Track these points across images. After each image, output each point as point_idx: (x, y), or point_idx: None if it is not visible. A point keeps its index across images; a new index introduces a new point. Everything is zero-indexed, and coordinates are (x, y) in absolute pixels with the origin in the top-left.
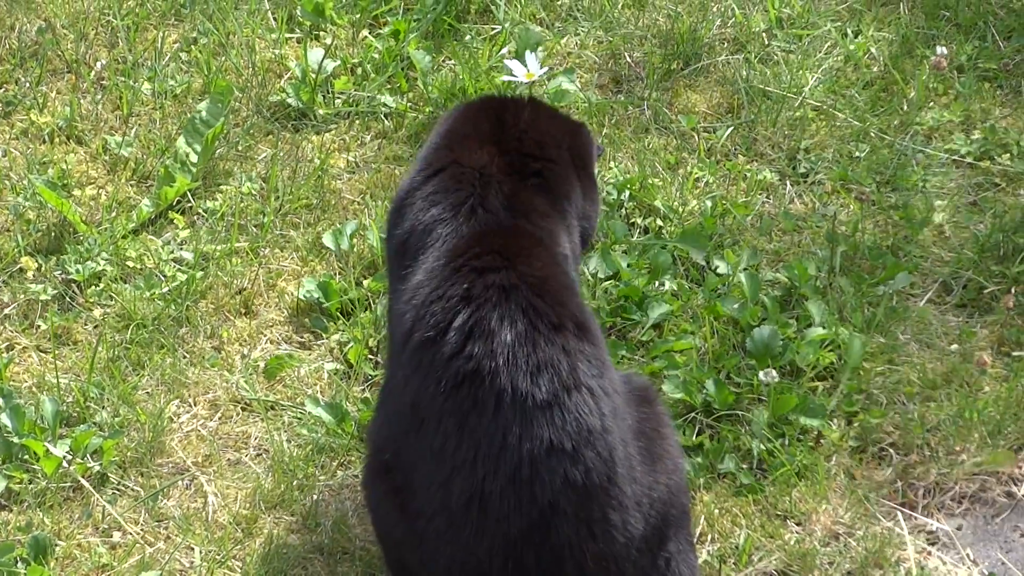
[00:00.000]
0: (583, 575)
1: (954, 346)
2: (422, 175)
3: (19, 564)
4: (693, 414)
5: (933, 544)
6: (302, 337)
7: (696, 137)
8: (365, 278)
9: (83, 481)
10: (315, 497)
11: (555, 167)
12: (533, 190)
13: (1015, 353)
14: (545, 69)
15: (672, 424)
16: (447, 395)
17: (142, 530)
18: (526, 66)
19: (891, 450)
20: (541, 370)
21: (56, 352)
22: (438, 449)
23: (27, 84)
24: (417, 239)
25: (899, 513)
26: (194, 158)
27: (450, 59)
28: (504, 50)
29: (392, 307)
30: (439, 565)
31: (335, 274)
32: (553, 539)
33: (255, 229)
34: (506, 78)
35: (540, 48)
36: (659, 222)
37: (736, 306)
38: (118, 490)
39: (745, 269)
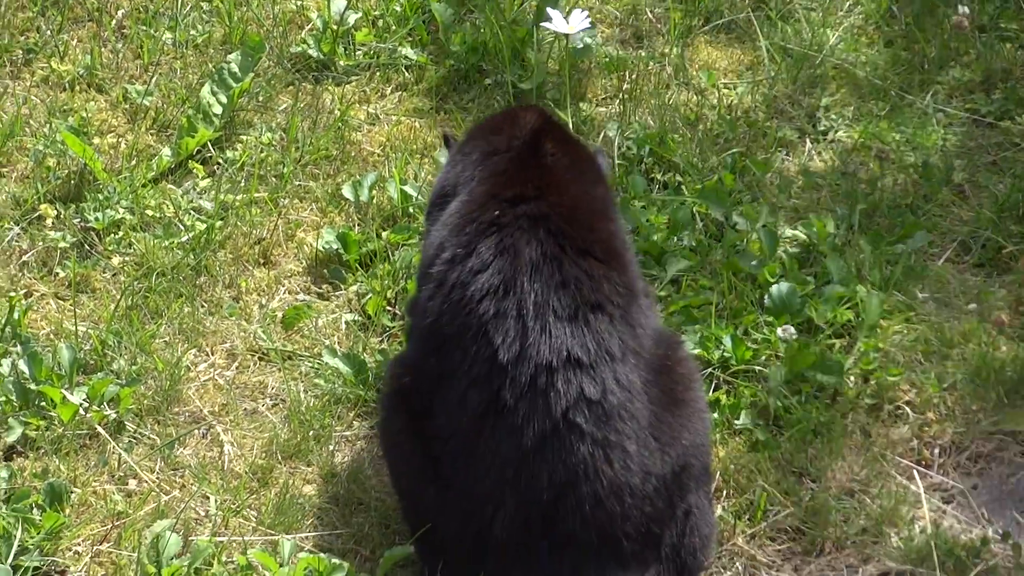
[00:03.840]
0: (597, 500)
1: (972, 305)
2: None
3: (35, 510)
4: (710, 370)
5: (948, 503)
6: (320, 288)
7: (716, 93)
8: (384, 230)
9: (99, 429)
10: (331, 448)
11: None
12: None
13: None
14: (587, 23)
15: (700, 378)
16: (469, 309)
17: (158, 478)
18: (567, 20)
19: (907, 408)
20: (564, 287)
21: (74, 300)
22: (457, 363)
23: (48, 32)
24: (456, 181)
25: (915, 471)
26: (217, 109)
27: (471, 12)
28: (525, 3)
29: (426, 239)
30: (454, 490)
31: (354, 225)
32: (568, 458)
33: (275, 179)
34: (544, 24)
35: (561, 1)
36: (679, 178)
37: (754, 262)
38: (134, 438)
39: (764, 226)
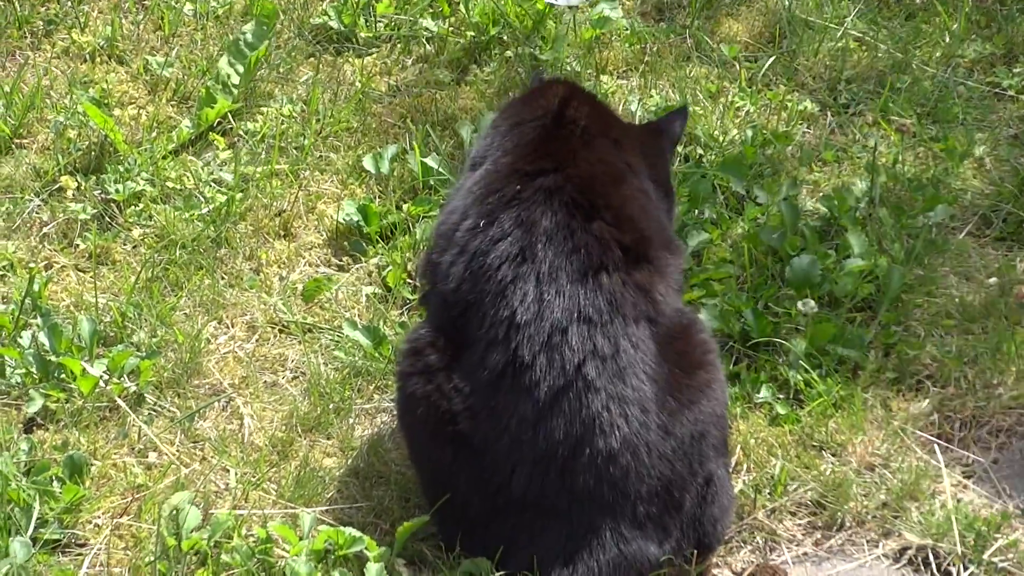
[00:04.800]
0: (611, 455)
1: (993, 279)
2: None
3: (55, 483)
4: (731, 343)
5: (969, 477)
6: (340, 260)
7: (737, 66)
8: (405, 202)
9: (119, 401)
10: (351, 421)
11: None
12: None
13: None
14: None
15: (716, 350)
16: (489, 275)
17: (178, 451)
18: None
19: (928, 382)
20: (574, 252)
21: (95, 271)
22: (476, 326)
23: (69, 3)
24: (484, 153)
25: (935, 445)
26: (236, 80)
27: None
28: None
29: (447, 204)
30: (472, 449)
31: (375, 198)
32: (583, 412)
33: (295, 151)
34: (550, 1)
35: None
36: (699, 151)
37: (775, 236)
38: (154, 411)
39: (785, 199)
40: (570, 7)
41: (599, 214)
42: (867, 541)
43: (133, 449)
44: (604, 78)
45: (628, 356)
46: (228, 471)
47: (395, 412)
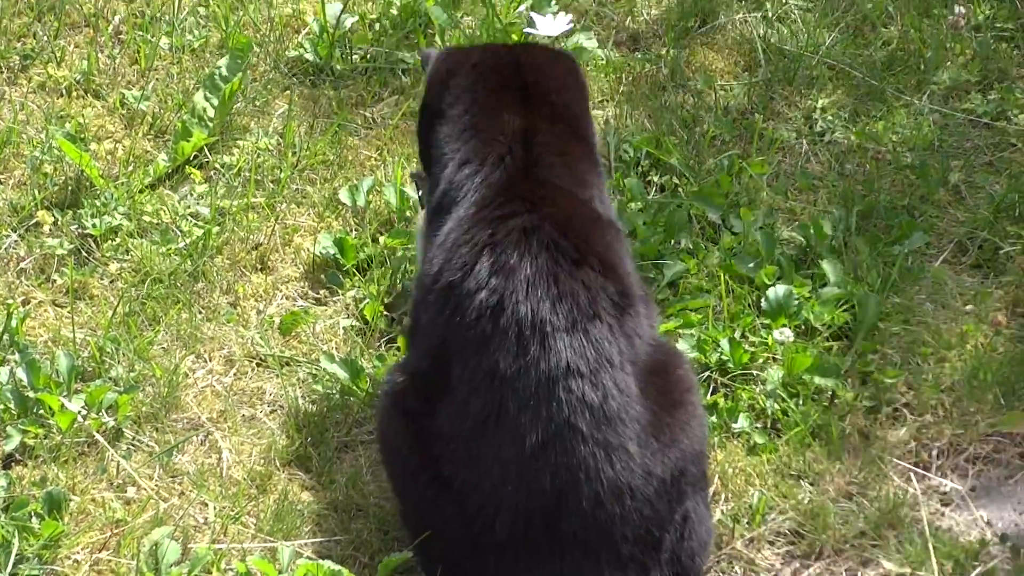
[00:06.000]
0: (599, 501)
1: (969, 306)
2: (453, 142)
3: (33, 519)
4: (708, 373)
5: (947, 505)
6: (318, 293)
7: (713, 95)
8: (381, 234)
9: (98, 436)
10: (329, 454)
11: (574, 109)
12: (560, 135)
13: None
14: (570, 25)
15: (697, 386)
16: (469, 327)
17: (156, 485)
18: (551, 19)
19: (905, 410)
20: (561, 300)
21: (72, 306)
22: (458, 375)
23: (45, 38)
24: (450, 196)
25: (912, 474)
26: (211, 113)
27: (467, 16)
28: (522, 7)
29: (425, 256)
30: (455, 491)
31: (351, 230)
32: (569, 460)
33: (272, 184)
34: (528, 30)
35: (555, 3)
36: (675, 180)
37: (751, 265)
38: (133, 445)
39: (761, 228)
40: (549, 37)
41: (586, 261)
42: (846, 570)
43: (112, 484)
44: None
45: (615, 403)
46: (207, 505)
47: (374, 446)
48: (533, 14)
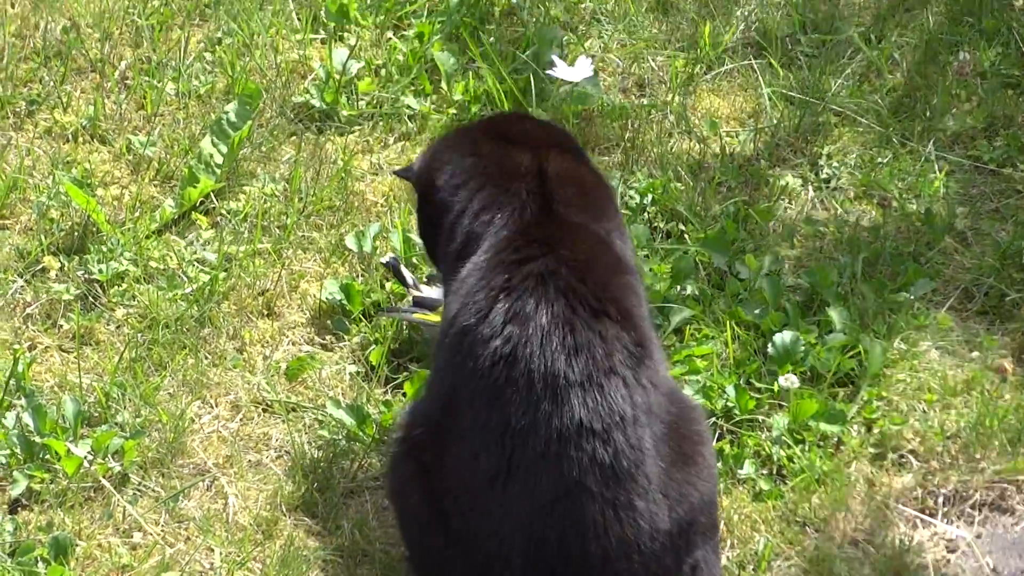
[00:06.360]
0: (607, 559)
1: (975, 353)
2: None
3: (39, 564)
4: (713, 419)
5: (953, 552)
6: (324, 339)
7: (719, 141)
8: (387, 280)
9: (104, 481)
10: (335, 499)
11: (576, 144)
12: (570, 163)
13: None
14: (591, 70)
15: (710, 438)
16: (482, 375)
17: (162, 531)
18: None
19: (911, 457)
20: (576, 353)
21: (79, 352)
22: (468, 426)
23: (51, 83)
24: (470, 245)
25: (918, 520)
26: (219, 159)
27: (474, 61)
28: (527, 52)
29: (446, 299)
30: (463, 544)
31: (357, 276)
32: (578, 518)
33: (278, 230)
34: (550, 73)
35: (560, 48)
36: (681, 227)
37: (757, 311)
38: (139, 490)
39: (767, 274)
40: (571, 82)
41: (605, 311)
42: None
43: (118, 529)
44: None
45: (626, 461)
46: (213, 551)
47: (381, 492)
48: (555, 57)
